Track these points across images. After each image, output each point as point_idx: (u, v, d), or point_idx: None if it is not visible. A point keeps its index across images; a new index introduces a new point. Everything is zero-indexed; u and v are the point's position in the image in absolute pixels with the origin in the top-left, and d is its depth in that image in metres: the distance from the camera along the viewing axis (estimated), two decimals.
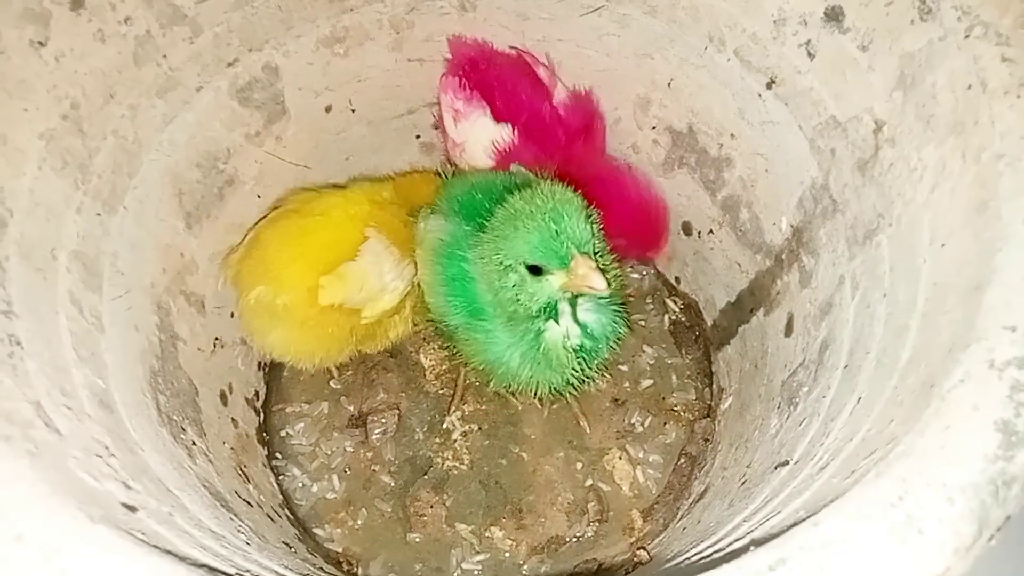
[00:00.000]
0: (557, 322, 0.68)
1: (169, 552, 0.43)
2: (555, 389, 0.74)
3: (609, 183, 0.78)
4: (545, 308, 0.67)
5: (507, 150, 0.80)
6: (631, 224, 0.78)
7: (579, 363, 0.71)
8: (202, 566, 0.44)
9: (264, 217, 0.82)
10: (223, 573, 0.46)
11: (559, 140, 0.79)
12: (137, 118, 0.68)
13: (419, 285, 0.80)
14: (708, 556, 0.52)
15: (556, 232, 0.61)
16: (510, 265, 0.64)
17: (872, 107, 0.62)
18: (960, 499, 0.38)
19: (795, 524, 0.40)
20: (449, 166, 0.88)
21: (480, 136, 0.80)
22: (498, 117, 0.80)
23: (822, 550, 0.37)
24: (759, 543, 0.39)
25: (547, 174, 0.75)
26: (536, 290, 0.65)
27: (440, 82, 0.84)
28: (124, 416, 0.59)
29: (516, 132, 0.79)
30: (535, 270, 0.64)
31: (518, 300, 0.66)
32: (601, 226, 0.68)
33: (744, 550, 0.39)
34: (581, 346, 0.70)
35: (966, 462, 0.39)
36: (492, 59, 0.82)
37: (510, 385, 0.76)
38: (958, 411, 0.41)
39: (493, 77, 0.81)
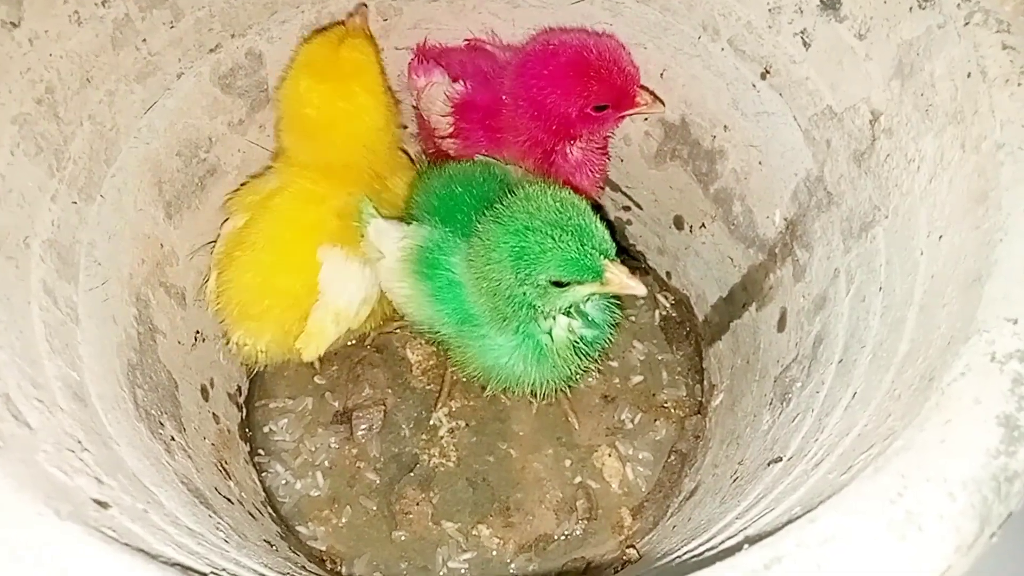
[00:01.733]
0: (586, 318, 0.68)
1: (141, 550, 0.41)
2: (554, 385, 0.73)
3: (534, 57, 0.75)
4: (562, 309, 0.67)
5: (460, 100, 0.79)
6: (583, 71, 0.72)
7: (584, 354, 0.71)
8: (175, 564, 0.43)
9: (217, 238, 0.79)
10: (197, 572, 0.44)
11: (504, 81, 0.78)
12: (115, 104, 0.66)
13: None
14: (700, 554, 0.51)
15: (582, 248, 0.60)
16: (530, 281, 0.63)
17: (869, 97, 0.60)
18: (961, 495, 0.36)
19: (790, 521, 0.38)
20: (425, 157, 0.87)
21: (437, 96, 0.80)
22: (453, 79, 0.80)
23: (819, 547, 0.36)
24: (753, 540, 0.38)
25: (514, 162, 0.76)
26: (560, 298, 0.64)
27: (406, 73, 0.84)
28: (99, 410, 0.57)
29: (468, 84, 0.79)
30: (560, 283, 0.63)
31: (533, 307, 0.65)
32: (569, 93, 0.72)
33: (738, 548, 0.38)
34: (582, 337, 0.70)
35: (967, 457, 0.37)
36: (446, 51, 0.83)
37: (508, 387, 0.75)
38: (959, 405, 0.39)
39: (446, 57, 0.82)
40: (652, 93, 0.75)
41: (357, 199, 0.75)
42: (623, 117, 0.76)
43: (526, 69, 0.75)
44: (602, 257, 0.61)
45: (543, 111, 0.74)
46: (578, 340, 0.70)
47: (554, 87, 0.73)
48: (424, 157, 0.86)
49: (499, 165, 0.76)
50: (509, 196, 0.66)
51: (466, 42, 0.83)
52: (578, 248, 0.60)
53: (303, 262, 0.74)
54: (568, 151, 0.79)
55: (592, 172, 0.81)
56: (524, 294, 0.64)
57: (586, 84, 0.72)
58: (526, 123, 0.76)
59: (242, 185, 0.80)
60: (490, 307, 0.68)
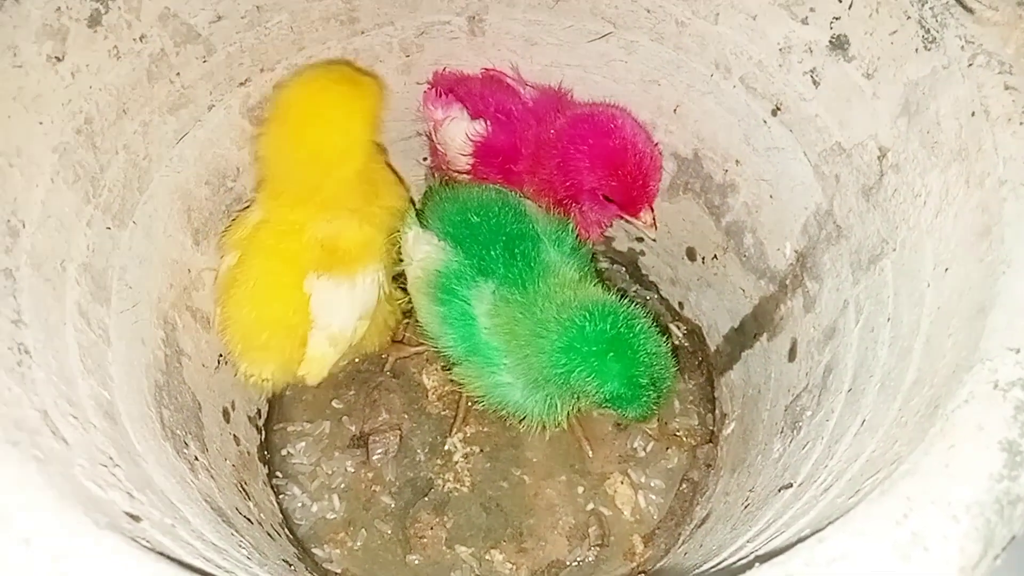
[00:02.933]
0: None
1: (173, 560, 0.43)
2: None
3: (591, 121, 0.77)
4: None
5: (481, 141, 0.80)
6: (616, 165, 0.75)
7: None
8: (206, 575, 0.44)
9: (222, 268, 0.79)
10: None
11: (530, 125, 0.80)
12: (149, 134, 0.69)
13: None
14: (711, 574, 0.52)
15: (645, 386, 0.65)
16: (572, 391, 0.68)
17: (876, 134, 0.62)
18: (965, 517, 0.38)
19: (799, 541, 0.40)
20: (434, 178, 0.89)
21: (457, 134, 0.81)
22: (473, 116, 0.82)
23: (826, 567, 0.37)
24: (763, 560, 0.39)
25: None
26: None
27: (422, 98, 0.85)
28: (128, 428, 0.59)
29: (488, 124, 0.80)
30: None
31: (569, 384, 0.68)
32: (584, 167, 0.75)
33: (748, 567, 0.39)
34: None
35: (971, 481, 0.39)
36: (465, 80, 0.85)
37: (510, 416, 0.76)
38: (963, 431, 0.41)
39: (464, 88, 0.83)
40: (654, 219, 0.78)
41: (340, 225, 0.75)
42: (621, 217, 0.80)
43: (576, 127, 0.77)
44: (650, 408, 0.67)
45: (567, 169, 0.77)
46: None
47: (587, 158, 0.75)
48: (435, 175, 0.87)
49: (514, 194, 0.78)
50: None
51: (483, 71, 0.85)
52: (644, 389, 0.65)
53: (293, 291, 0.74)
54: (579, 205, 0.81)
55: (598, 227, 0.83)
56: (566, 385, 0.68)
57: (610, 174, 0.75)
58: (549, 167, 0.78)
59: (232, 221, 0.80)
60: (524, 371, 0.70)
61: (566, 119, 0.78)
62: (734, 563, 0.49)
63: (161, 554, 0.42)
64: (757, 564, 0.39)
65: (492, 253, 0.72)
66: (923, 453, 0.41)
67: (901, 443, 0.46)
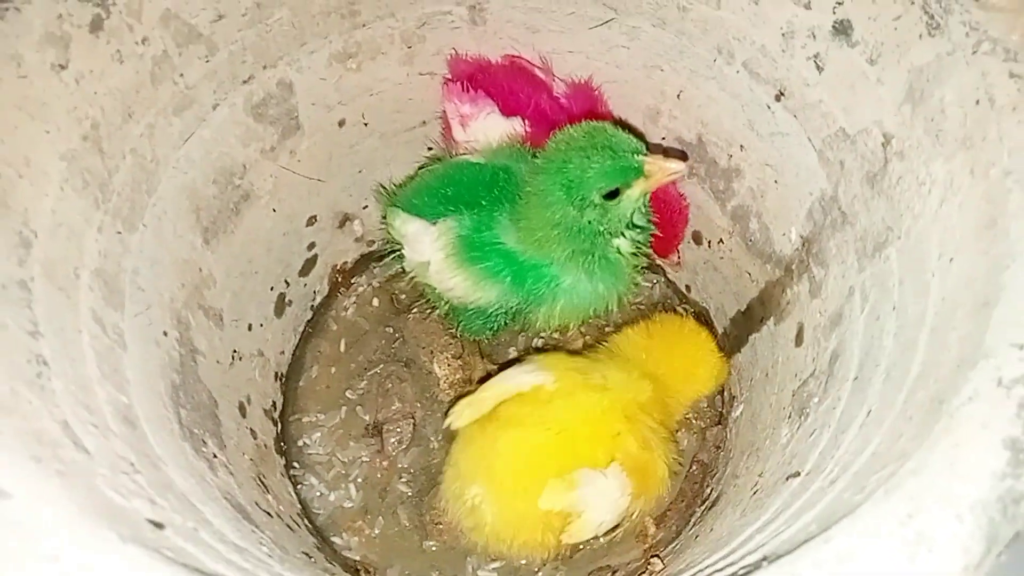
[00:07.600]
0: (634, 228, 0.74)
1: (197, 570, 0.44)
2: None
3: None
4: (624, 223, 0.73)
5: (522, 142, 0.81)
6: (657, 224, 0.78)
7: (643, 253, 0.78)
8: None
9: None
10: None
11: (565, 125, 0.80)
12: (155, 136, 0.69)
13: None
14: (721, 569, 0.53)
15: (616, 154, 0.68)
16: (587, 203, 0.70)
17: (881, 120, 0.62)
18: (969, 516, 0.39)
19: (807, 540, 0.40)
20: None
21: (492, 133, 0.82)
22: (506, 113, 0.82)
23: (834, 566, 0.38)
24: (772, 559, 0.40)
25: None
26: (619, 208, 0.71)
27: (443, 91, 0.85)
28: (147, 431, 0.60)
29: (527, 123, 0.81)
30: (612, 195, 0.70)
31: (601, 229, 0.72)
32: None
33: (756, 566, 0.40)
34: (639, 241, 0.76)
35: (975, 480, 0.40)
36: (488, 69, 0.84)
37: (592, 316, 0.80)
38: (967, 429, 0.41)
39: (491, 81, 0.83)
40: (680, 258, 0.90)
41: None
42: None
43: None
44: (636, 155, 0.68)
45: None
46: (638, 244, 0.76)
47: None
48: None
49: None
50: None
51: (507, 58, 0.84)
52: (612, 155, 0.68)
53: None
54: None
55: None
56: (589, 223, 0.71)
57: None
58: None
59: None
60: (565, 251, 0.73)
61: None
62: (743, 556, 0.50)
63: (185, 564, 0.43)
64: (765, 564, 0.39)
65: (488, 191, 0.76)
66: (928, 451, 0.42)
67: (906, 438, 0.46)
